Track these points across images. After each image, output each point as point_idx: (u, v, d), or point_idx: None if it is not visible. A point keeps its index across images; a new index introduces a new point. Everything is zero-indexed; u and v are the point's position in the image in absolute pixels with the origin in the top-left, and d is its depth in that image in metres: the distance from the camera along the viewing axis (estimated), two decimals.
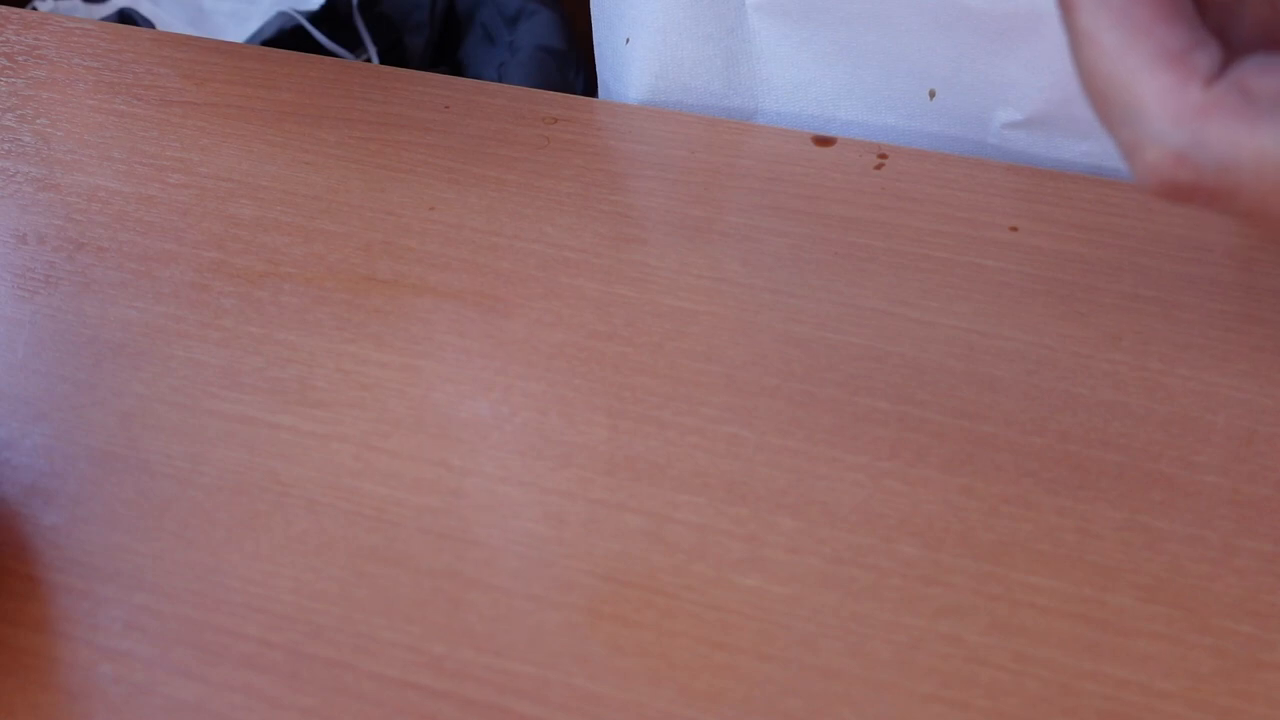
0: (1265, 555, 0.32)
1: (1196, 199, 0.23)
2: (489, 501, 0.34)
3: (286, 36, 0.63)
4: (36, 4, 0.63)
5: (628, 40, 0.50)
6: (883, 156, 0.44)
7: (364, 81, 0.48)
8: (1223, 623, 0.30)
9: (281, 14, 0.64)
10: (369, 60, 0.64)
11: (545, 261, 0.41)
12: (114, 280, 0.41)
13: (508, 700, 0.29)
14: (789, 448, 0.35)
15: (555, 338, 0.38)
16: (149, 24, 0.64)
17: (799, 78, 0.48)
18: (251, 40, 0.63)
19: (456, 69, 0.65)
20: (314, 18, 0.64)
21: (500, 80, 0.59)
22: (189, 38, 0.52)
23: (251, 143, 0.46)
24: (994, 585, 0.31)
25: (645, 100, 0.50)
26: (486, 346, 0.38)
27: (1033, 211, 0.42)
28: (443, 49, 0.67)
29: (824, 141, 0.45)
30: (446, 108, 0.47)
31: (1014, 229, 0.41)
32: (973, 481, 0.34)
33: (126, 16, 0.64)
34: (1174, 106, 0.23)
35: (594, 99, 0.49)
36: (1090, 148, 0.46)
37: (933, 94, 0.46)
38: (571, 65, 0.76)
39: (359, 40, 0.65)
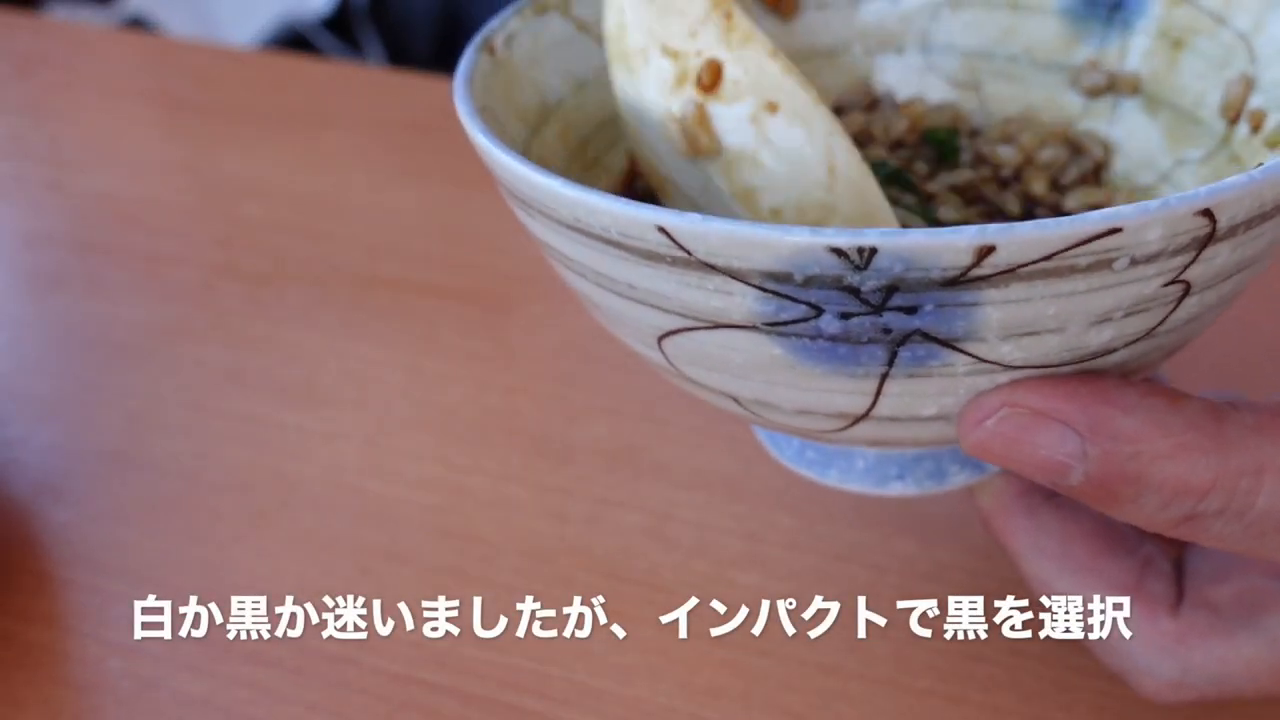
0: None
1: (1202, 704, 0.25)
2: (491, 499, 0.34)
3: (293, 40, 0.64)
4: (46, 9, 0.64)
5: None
6: None
7: (369, 85, 0.49)
8: None
9: (288, 18, 0.64)
10: (374, 64, 0.64)
11: (547, 262, 0.41)
12: (122, 281, 0.41)
13: (510, 695, 0.30)
14: None
15: (557, 337, 0.38)
16: (157, 28, 0.64)
17: None
18: (258, 44, 0.64)
19: None
20: (320, 22, 0.64)
21: None
22: (196, 42, 0.52)
23: (257, 145, 0.46)
24: (990, 581, 0.31)
25: None
26: (488, 346, 0.38)
27: None
28: (447, 52, 0.68)
29: None
30: (450, 110, 0.47)
31: None
32: None
33: (135, 21, 0.64)
34: (1153, 641, 0.24)
35: None
36: None
37: None
38: None
39: (365, 44, 0.65)
